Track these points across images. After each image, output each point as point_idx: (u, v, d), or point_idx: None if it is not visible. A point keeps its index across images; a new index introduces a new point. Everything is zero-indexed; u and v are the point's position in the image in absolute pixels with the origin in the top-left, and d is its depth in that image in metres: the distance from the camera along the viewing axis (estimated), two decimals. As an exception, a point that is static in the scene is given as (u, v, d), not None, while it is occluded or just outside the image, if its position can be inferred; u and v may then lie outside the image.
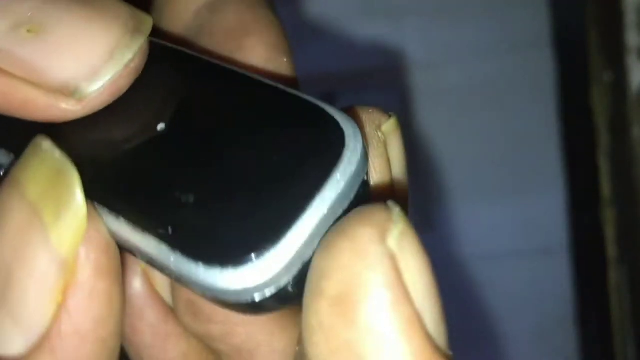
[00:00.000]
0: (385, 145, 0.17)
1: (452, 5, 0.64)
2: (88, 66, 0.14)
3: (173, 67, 0.16)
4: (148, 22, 0.15)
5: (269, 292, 0.13)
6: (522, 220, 0.65)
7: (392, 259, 0.12)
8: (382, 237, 0.12)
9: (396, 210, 0.13)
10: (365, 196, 0.14)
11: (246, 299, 0.13)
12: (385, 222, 0.13)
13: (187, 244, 0.14)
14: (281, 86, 0.16)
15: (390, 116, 0.17)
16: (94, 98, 0.14)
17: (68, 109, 0.14)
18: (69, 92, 0.14)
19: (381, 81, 0.63)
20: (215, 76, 0.16)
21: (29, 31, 0.14)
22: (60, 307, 0.13)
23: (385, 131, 0.17)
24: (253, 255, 0.13)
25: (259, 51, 0.18)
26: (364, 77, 0.64)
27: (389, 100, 0.63)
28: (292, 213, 0.13)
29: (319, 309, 0.12)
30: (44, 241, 0.13)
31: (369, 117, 0.17)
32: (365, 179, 0.14)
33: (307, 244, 0.13)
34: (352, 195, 0.14)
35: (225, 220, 0.14)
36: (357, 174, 0.14)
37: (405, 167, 0.18)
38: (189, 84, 0.16)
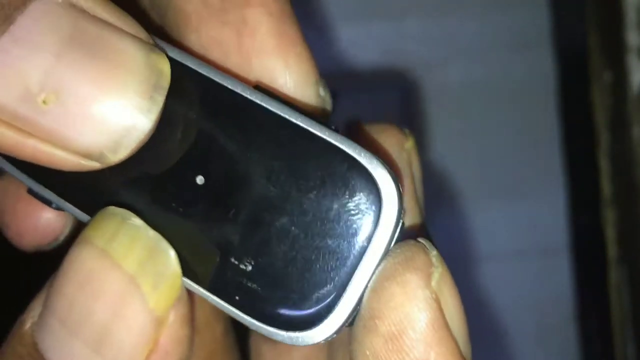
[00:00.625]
0: (410, 165, 0.18)
1: (452, 5, 0.64)
2: (111, 137, 0.14)
3: (200, 99, 0.16)
4: (166, 71, 0.15)
5: (331, 337, 0.16)
6: (523, 221, 0.65)
7: (436, 301, 0.15)
8: (427, 282, 0.15)
9: (434, 254, 0.16)
10: (401, 233, 0.16)
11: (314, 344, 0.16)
12: (428, 267, 0.15)
13: (260, 313, 0.16)
14: (318, 131, 0.16)
15: (406, 134, 0.18)
16: (118, 160, 0.15)
17: (94, 167, 0.15)
18: (93, 157, 0.14)
19: (382, 81, 0.63)
20: (247, 115, 0.16)
21: (44, 102, 0.14)
22: (152, 352, 0.15)
23: (408, 150, 0.18)
24: (321, 320, 0.15)
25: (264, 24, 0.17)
26: (365, 77, 0.64)
27: (389, 100, 0.63)
28: (346, 273, 0.15)
29: (374, 344, 0.15)
30: (143, 306, 0.15)
31: (392, 139, 0.18)
32: (402, 220, 0.16)
33: (360, 296, 0.15)
34: (393, 241, 0.16)
35: (290, 287, 0.15)
36: (395, 224, 0.15)
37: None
38: (217, 122, 0.16)
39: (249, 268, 0.15)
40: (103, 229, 0.15)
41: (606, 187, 0.51)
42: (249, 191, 0.16)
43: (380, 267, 0.15)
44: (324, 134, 0.16)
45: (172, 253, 0.15)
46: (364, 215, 0.15)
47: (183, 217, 0.16)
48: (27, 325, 0.16)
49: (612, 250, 0.51)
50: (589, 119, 0.53)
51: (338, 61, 0.64)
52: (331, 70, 0.64)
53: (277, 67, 0.17)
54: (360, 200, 0.15)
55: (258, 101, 0.16)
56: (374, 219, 0.15)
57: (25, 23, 0.14)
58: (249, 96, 0.16)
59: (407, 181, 0.18)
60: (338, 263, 0.15)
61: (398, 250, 0.15)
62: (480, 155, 0.65)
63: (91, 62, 0.14)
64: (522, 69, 0.64)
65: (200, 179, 0.16)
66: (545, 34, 0.64)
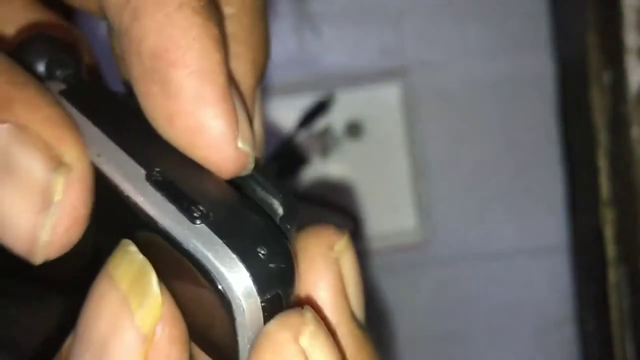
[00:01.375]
0: (336, 270, 0.19)
1: (451, 6, 0.64)
2: (25, 248, 0.17)
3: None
4: (58, 191, 0.17)
5: None
6: (522, 220, 0.65)
7: (304, 355, 0.17)
8: (296, 338, 0.17)
9: (308, 315, 0.17)
10: (279, 309, 0.18)
11: None
12: (299, 326, 0.17)
13: None
14: (183, 239, 0.17)
15: (340, 234, 0.20)
16: (53, 252, 0.18)
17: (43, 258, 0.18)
18: (31, 254, 0.17)
19: (380, 81, 0.63)
20: (139, 224, 0.18)
21: None
22: None
23: (338, 250, 0.19)
24: None
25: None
26: (364, 78, 0.64)
27: (388, 101, 0.63)
28: (233, 351, 0.17)
29: None
30: (131, 322, 0.17)
31: (321, 239, 0.19)
32: (266, 301, 0.17)
33: None
34: (262, 321, 0.17)
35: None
36: (253, 312, 0.17)
37: (359, 282, 0.20)
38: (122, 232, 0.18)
39: None
40: (114, 258, 0.18)
41: (605, 187, 0.51)
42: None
43: (256, 337, 0.17)
44: (182, 236, 0.17)
45: (153, 275, 0.17)
46: (225, 310, 0.17)
47: None
48: (66, 344, 0.20)
49: (611, 250, 0.51)
50: (588, 119, 0.53)
51: (337, 62, 0.64)
52: (330, 71, 0.64)
53: (195, 128, 0.18)
54: (216, 300, 0.17)
55: (135, 198, 0.18)
56: (230, 311, 0.17)
57: None
58: (129, 192, 0.18)
59: (330, 286, 0.19)
60: (225, 343, 0.18)
61: (276, 318, 0.17)
62: (480, 156, 0.65)
63: (4, 181, 0.17)
64: (521, 69, 0.64)
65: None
66: (544, 34, 0.64)
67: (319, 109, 0.62)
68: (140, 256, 0.17)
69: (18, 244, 0.17)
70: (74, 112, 0.19)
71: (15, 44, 0.21)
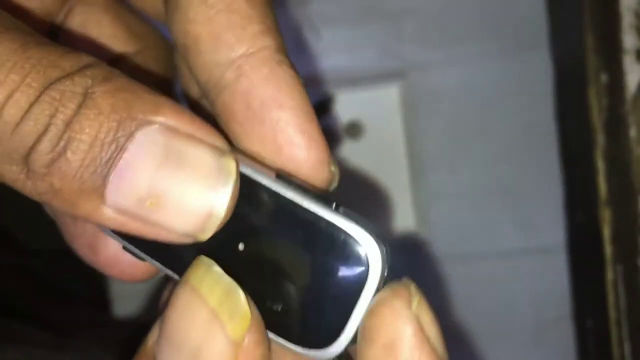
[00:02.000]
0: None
1: (450, 7, 0.64)
2: (198, 224, 0.21)
3: (251, 198, 0.23)
4: (233, 170, 0.21)
5: (341, 352, 0.23)
6: (520, 220, 0.65)
7: (417, 318, 0.21)
8: (409, 305, 0.21)
9: (412, 287, 0.22)
10: (387, 280, 0.23)
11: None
12: (408, 296, 0.22)
13: (290, 337, 0.23)
14: (323, 212, 0.22)
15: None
16: (222, 223, 0.21)
17: (190, 241, 0.21)
18: (189, 238, 0.21)
19: (380, 82, 0.64)
20: (279, 208, 0.22)
21: (150, 205, 0.20)
22: None
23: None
24: (334, 341, 0.22)
25: (293, 122, 0.23)
26: (363, 79, 0.64)
27: (388, 101, 0.64)
28: (348, 310, 0.22)
29: (374, 352, 0.21)
30: (223, 332, 0.21)
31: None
32: (386, 274, 0.22)
33: (360, 322, 0.22)
34: (378, 287, 0.22)
35: (310, 321, 0.23)
36: (380, 277, 0.22)
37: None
38: (260, 215, 0.23)
39: (279, 309, 0.23)
40: (196, 273, 0.21)
41: (602, 187, 0.52)
42: (277, 256, 0.23)
43: (372, 302, 0.22)
44: (328, 215, 0.22)
45: (241, 293, 0.21)
46: (358, 272, 0.22)
47: (232, 274, 0.22)
48: (150, 342, 0.24)
49: (608, 249, 0.51)
50: (586, 119, 0.53)
51: (337, 62, 0.64)
52: (330, 72, 0.65)
53: (301, 156, 0.23)
54: (354, 262, 0.22)
55: (276, 189, 0.22)
56: (365, 275, 0.22)
57: (134, 149, 0.20)
58: (270, 185, 0.23)
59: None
60: (342, 304, 0.22)
61: (388, 288, 0.22)
62: (478, 156, 0.65)
63: (178, 172, 0.20)
64: (519, 70, 0.64)
65: (241, 246, 0.23)
66: (542, 36, 0.64)
67: (319, 109, 0.63)
68: (227, 278, 0.21)
69: (192, 224, 0.21)
70: None
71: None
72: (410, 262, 0.65)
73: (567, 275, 0.65)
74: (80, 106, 0.19)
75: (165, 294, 0.29)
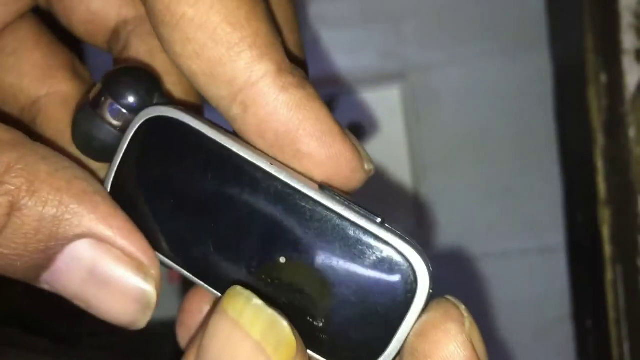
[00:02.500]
0: (470, 338, 0.22)
1: (450, 8, 0.64)
2: (128, 323, 0.22)
3: (275, 198, 0.22)
4: (151, 292, 0.22)
5: None
6: (520, 220, 0.65)
7: (470, 342, 0.21)
8: (462, 329, 0.21)
9: (463, 308, 0.22)
10: (430, 299, 0.22)
11: None
12: (461, 318, 0.21)
13: (330, 354, 0.22)
14: (371, 227, 0.22)
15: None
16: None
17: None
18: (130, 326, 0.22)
19: (381, 84, 0.64)
20: (324, 220, 0.22)
21: (81, 303, 0.22)
22: None
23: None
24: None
25: (314, 148, 0.23)
26: (364, 80, 0.64)
27: (389, 102, 0.64)
28: (393, 328, 0.22)
29: None
30: None
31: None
32: (431, 291, 0.22)
33: (403, 343, 0.22)
34: (424, 306, 0.22)
35: (351, 337, 0.22)
36: (427, 297, 0.22)
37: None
38: (292, 217, 0.22)
39: (320, 324, 0.22)
40: (234, 305, 0.21)
41: (602, 186, 0.52)
42: (319, 270, 0.22)
43: (418, 322, 0.21)
44: (375, 230, 0.22)
45: (285, 324, 0.21)
46: (406, 290, 0.21)
47: (274, 289, 0.22)
48: None
49: (608, 249, 0.51)
50: (586, 120, 0.53)
51: (338, 64, 0.65)
52: (331, 73, 0.65)
53: (333, 172, 0.23)
54: (402, 280, 0.21)
55: (321, 200, 0.22)
56: (412, 294, 0.21)
57: (62, 261, 0.21)
58: (314, 196, 0.22)
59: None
60: (386, 322, 0.22)
61: (437, 307, 0.22)
62: (479, 156, 0.65)
63: (101, 292, 0.21)
64: (519, 71, 0.64)
65: (282, 259, 0.22)
66: (542, 36, 0.64)
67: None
68: (269, 310, 0.21)
69: (121, 323, 0.22)
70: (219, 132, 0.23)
71: (106, 77, 0.24)
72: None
73: (567, 275, 0.65)
74: (9, 216, 0.20)
75: (187, 304, 0.28)
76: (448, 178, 0.65)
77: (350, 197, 0.23)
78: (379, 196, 0.65)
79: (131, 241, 0.21)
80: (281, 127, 0.22)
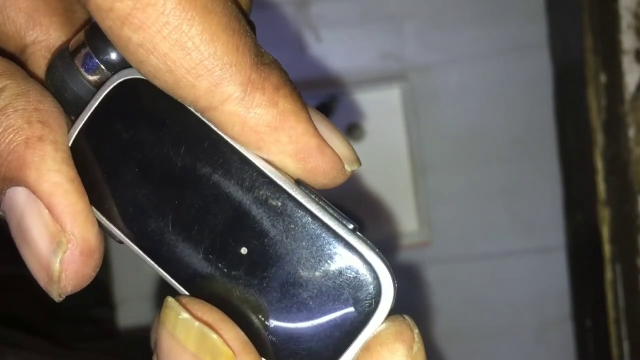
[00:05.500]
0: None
1: (450, 9, 0.64)
2: (45, 283, 0.22)
3: (249, 188, 0.21)
4: (55, 271, 0.21)
5: None
6: (520, 220, 0.65)
7: None
8: (409, 351, 0.21)
9: (416, 332, 0.21)
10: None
11: None
12: (411, 341, 0.21)
13: (280, 355, 0.21)
14: (340, 230, 0.21)
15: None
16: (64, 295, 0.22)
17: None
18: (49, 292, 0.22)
19: (381, 84, 0.64)
20: (293, 216, 0.21)
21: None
22: None
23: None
24: None
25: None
26: (364, 81, 0.64)
27: (389, 102, 0.64)
28: (348, 340, 0.21)
29: None
30: None
31: (402, 345, 0.22)
32: (392, 308, 0.21)
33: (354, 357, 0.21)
34: (384, 319, 0.21)
35: (302, 343, 0.21)
36: (387, 314, 0.21)
37: None
38: (271, 220, 0.21)
39: (272, 324, 0.21)
40: (169, 318, 0.21)
41: (601, 186, 0.52)
42: (280, 268, 0.21)
43: (371, 335, 0.21)
44: (347, 236, 0.21)
45: (215, 336, 0.20)
46: (368, 302, 0.21)
47: (229, 280, 0.21)
48: None
49: (607, 249, 0.51)
50: (585, 120, 0.53)
51: (338, 64, 0.65)
52: (331, 73, 0.65)
53: (315, 167, 0.22)
54: (365, 291, 0.21)
55: (297, 196, 0.21)
56: (374, 307, 0.21)
57: (5, 200, 0.21)
58: (290, 190, 0.21)
59: None
60: (342, 332, 0.21)
61: (391, 324, 0.21)
62: (479, 157, 0.65)
63: (23, 246, 0.21)
64: (519, 71, 0.64)
65: (244, 250, 0.21)
66: (542, 36, 0.64)
67: (321, 111, 0.63)
68: (196, 323, 0.20)
69: (40, 280, 0.21)
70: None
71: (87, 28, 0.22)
72: (411, 263, 0.66)
73: (566, 275, 0.65)
74: None
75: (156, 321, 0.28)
76: (448, 178, 0.65)
77: (324, 198, 0.22)
78: (379, 196, 0.65)
79: (63, 202, 0.20)
80: (251, 145, 0.21)
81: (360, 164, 0.23)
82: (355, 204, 0.64)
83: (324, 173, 0.22)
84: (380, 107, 0.64)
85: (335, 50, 0.65)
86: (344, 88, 0.64)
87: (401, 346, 0.21)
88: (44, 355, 0.38)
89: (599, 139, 0.52)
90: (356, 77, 0.64)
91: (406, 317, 0.22)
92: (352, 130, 0.64)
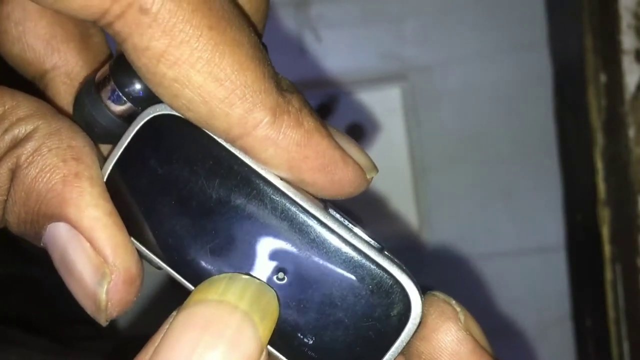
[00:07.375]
0: (470, 334, 0.24)
1: (450, 8, 0.64)
2: (92, 312, 0.22)
3: (280, 215, 0.23)
4: (103, 302, 0.22)
5: None
6: (520, 220, 0.65)
7: (469, 333, 0.23)
8: (459, 324, 0.22)
9: (453, 302, 0.23)
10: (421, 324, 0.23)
11: None
12: (455, 313, 0.23)
13: None
14: (371, 253, 0.23)
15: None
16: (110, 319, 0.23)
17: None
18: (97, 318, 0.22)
19: (381, 84, 0.64)
20: (325, 241, 0.23)
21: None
22: None
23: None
24: None
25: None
26: (365, 80, 0.64)
27: (389, 102, 0.64)
28: (381, 352, 0.22)
29: None
30: (255, 334, 0.20)
31: (453, 323, 0.23)
32: (421, 319, 0.23)
33: None
34: (414, 335, 0.23)
35: (345, 358, 0.22)
36: (417, 327, 0.23)
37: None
38: (305, 245, 0.23)
39: (311, 342, 0.22)
40: (213, 289, 0.21)
41: (601, 187, 0.52)
42: (315, 290, 0.22)
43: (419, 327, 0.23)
44: (377, 257, 0.22)
45: (273, 292, 0.22)
46: (399, 317, 0.22)
47: None
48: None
49: (607, 249, 0.52)
50: (585, 120, 0.53)
51: (338, 64, 0.65)
52: (331, 73, 0.65)
53: (332, 193, 0.23)
54: (396, 307, 0.22)
55: (327, 222, 0.22)
56: (405, 321, 0.22)
57: (46, 235, 0.22)
58: (322, 217, 0.23)
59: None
60: (376, 346, 0.22)
61: (431, 308, 0.23)
62: (479, 156, 0.66)
63: (68, 278, 0.22)
64: (519, 71, 0.65)
65: (281, 275, 0.22)
66: (542, 36, 0.64)
67: (321, 111, 0.63)
68: (257, 280, 0.22)
69: (87, 308, 0.22)
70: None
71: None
72: (411, 263, 0.66)
73: (566, 275, 0.65)
74: (12, 174, 0.21)
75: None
76: (448, 178, 0.66)
77: (349, 218, 0.23)
78: (380, 196, 0.65)
79: (103, 235, 0.21)
80: (283, 166, 0.22)
81: (378, 171, 0.25)
82: (355, 204, 0.64)
83: (349, 183, 0.23)
84: (381, 107, 0.64)
85: (335, 50, 0.65)
86: (344, 88, 0.64)
87: (451, 323, 0.22)
88: (45, 354, 0.38)
89: (599, 139, 0.52)
90: (356, 77, 0.64)
91: (437, 294, 0.23)
92: (352, 130, 0.64)
